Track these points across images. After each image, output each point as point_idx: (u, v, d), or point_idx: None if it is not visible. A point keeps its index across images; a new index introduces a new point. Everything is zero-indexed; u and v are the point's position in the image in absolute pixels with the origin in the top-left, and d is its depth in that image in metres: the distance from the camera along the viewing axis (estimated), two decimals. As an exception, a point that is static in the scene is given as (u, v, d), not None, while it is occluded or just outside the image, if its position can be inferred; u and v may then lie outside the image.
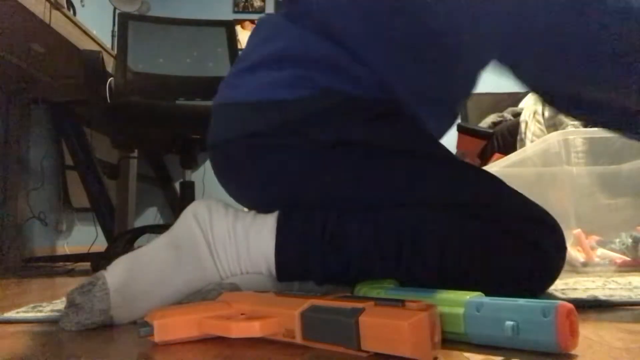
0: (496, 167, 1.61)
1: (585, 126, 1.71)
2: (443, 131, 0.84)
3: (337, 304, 0.45)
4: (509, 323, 0.41)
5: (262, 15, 2.99)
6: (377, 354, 0.41)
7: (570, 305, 0.40)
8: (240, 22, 3.75)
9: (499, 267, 0.65)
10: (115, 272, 0.60)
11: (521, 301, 0.43)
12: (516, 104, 3.16)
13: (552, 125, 2.08)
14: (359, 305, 0.43)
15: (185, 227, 0.63)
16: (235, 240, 0.63)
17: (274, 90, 0.68)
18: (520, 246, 0.65)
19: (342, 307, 0.43)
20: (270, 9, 3.88)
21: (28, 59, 1.63)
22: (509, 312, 0.42)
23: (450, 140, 3.29)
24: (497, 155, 2.39)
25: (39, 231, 2.31)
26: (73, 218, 2.56)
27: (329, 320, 0.43)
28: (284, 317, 0.47)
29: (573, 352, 0.42)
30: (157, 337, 0.49)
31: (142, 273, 0.61)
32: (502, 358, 0.41)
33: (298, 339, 0.46)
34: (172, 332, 0.50)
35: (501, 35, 0.52)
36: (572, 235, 1.12)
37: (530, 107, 2.36)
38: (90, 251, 2.13)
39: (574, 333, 0.40)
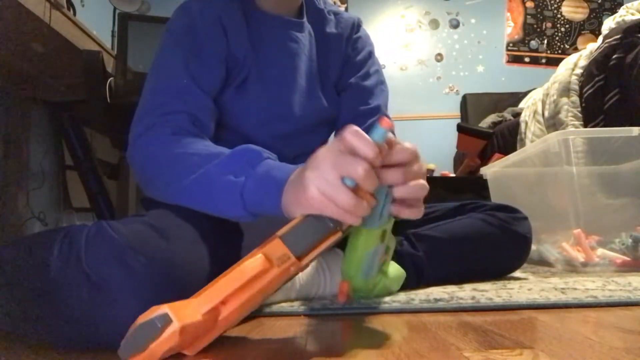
0: (496, 167, 1.61)
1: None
2: None
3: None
4: None
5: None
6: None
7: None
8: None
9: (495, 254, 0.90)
10: None
11: None
12: (516, 104, 3.16)
13: (552, 125, 2.08)
14: None
15: None
16: None
17: None
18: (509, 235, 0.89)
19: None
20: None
21: (28, 59, 1.63)
22: None
23: (450, 140, 3.27)
24: (497, 155, 2.39)
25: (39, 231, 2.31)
26: (73, 218, 2.55)
27: (312, 224, 0.49)
28: (269, 248, 0.48)
29: (574, 352, 0.42)
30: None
31: None
32: (503, 357, 0.42)
33: (293, 258, 0.48)
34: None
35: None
36: (572, 235, 1.12)
37: (530, 107, 2.36)
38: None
39: None
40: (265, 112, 0.82)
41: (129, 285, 0.50)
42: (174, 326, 0.41)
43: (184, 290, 0.53)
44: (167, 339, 0.41)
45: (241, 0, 0.85)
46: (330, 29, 0.93)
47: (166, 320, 0.41)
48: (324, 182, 0.48)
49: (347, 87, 0.92)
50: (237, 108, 0.81)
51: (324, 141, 0.98)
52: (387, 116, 0.68)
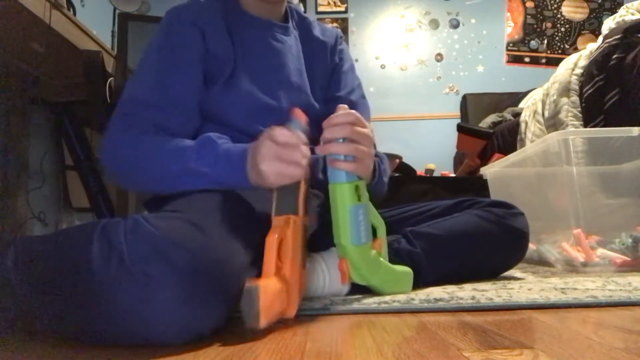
0: (496, 167, 1.61)
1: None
2: None
3: None
4: None
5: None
6: None
7: None
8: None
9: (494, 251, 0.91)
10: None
11: None
12: (516, 104, 3.16)
13: (552, 125, 2.08)
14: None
15: None
16: None
17: None
18: (506, 230, 0.90)
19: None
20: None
21: (28, 59, 1.63)
22: None
23: (450, 140, 3.27)
24: (497, 155, 2.38)
25: (39, 231, 2.30)
26: (73, 218, 2.55)
27: (283, 193, 0.66)
28: (275, 223, 0.64)
29: (574, 352, 0.42)
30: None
31: None
32: (503, 357, 0.42)
33: (292, 216, 0.64)
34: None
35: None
36: (572, 235, 1.12)
37: (530, 107, 2.35)
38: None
39: None
40: (255, 105, 0.87)
41: (171, 281, 0.49)
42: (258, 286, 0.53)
43: (222, 284, 0.54)
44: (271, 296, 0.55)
45: (225, 2, 0.90)
46: (317, 34, 1.00)
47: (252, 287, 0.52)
48: (275, 175, 0.66)
49: (337, 100, 0.96)
50: (228, 102, 0.86)
51: (317, 137, 1.00)
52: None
